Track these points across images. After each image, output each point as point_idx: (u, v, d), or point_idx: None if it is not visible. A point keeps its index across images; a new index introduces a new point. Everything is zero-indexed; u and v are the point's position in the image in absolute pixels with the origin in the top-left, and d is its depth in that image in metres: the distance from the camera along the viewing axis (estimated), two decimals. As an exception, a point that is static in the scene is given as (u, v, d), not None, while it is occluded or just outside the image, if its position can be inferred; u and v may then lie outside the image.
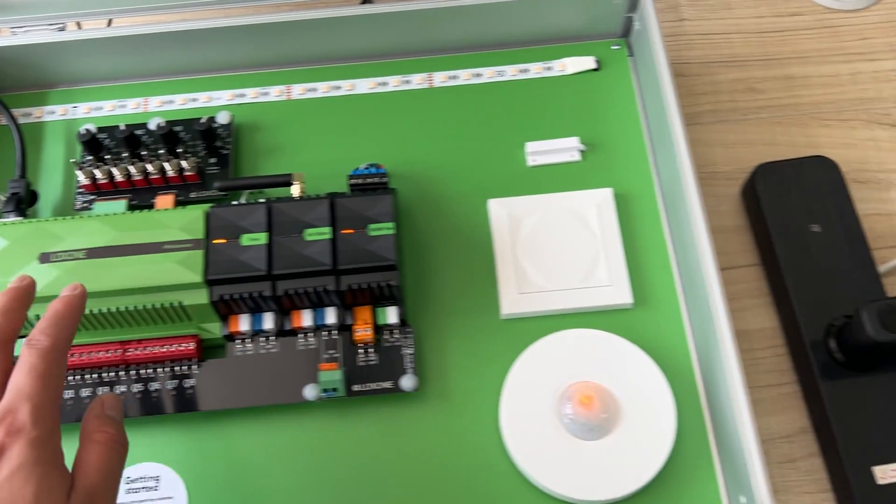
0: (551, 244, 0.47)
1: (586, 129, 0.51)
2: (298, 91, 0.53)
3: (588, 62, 0.52)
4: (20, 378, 0.33)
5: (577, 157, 0.50)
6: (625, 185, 0.49)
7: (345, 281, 0.42)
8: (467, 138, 0.51)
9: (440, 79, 0.53)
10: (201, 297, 0.42)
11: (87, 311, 0.41)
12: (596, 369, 0.43)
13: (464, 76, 0.53)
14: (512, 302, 0.46)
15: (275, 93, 0.53)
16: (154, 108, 0.52)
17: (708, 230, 0.43)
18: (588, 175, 0.49)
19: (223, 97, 0.53)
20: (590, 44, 0.53)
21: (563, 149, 0.50)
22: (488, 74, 0.53)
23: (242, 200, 0.46)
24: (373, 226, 0.43)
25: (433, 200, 0.49)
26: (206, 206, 0.44)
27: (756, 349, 0.49)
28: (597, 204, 0.48)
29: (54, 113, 0.53)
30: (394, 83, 0.53)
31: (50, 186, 0.50)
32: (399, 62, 0.53)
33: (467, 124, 0.51)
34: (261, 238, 0.42)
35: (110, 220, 0.43)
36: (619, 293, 0.45)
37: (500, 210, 0.48)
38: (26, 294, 0.36)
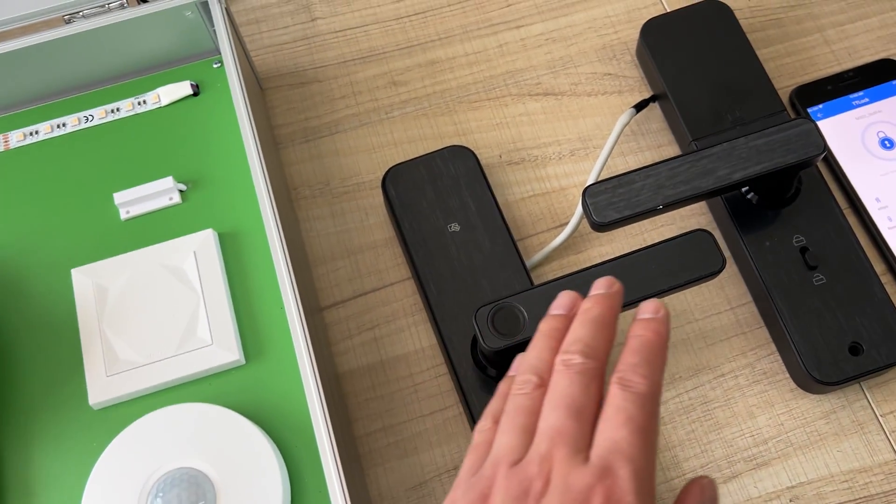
0: (141, 309, 0.40)
1: (185, 166, 0.44)
2: None
3: (183, 88, 0.46)
4: (617, 429, 0.26)
5: (177, 199, 0.43)
6: (233, 222, 0.42)
7: None
8: (50, 201, 0.43)
9: (17, 138, 0.45)
10: None
11: None
12: (191, 450, 0.36)
13: (44, 130, 0.45)
14: (100, 388, 0.39)
15: None
16: None
17: (288, 265, 0.37)
18: (191, 218, 0.43)
19: None
20: (189, 66, 0.47)
21: (158, 192, 0.43)
22: (72, 123, 0.45)
23: None
24: None
25: (11, 282, 0.41)
26: None
27: (415, 373, 0.43)
28: (194, 250, 0.41)
29: None
30: (-39, 152, 0.45)
31: None
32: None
33: (49, 185, 0.44)
34: None
35: None
36: (224, 352, 0.39)
37: (83, 280, 0.41)
38: (619, 305, 0.30)
